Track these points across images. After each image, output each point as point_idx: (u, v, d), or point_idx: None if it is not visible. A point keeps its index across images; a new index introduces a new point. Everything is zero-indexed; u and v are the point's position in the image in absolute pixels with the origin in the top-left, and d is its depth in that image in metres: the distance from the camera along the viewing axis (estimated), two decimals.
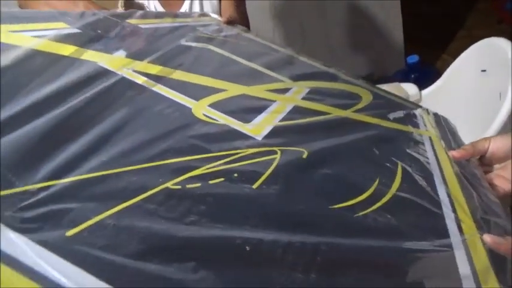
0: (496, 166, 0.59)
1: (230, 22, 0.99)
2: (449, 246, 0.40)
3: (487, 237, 0.43)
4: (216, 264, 0.31)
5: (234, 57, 0.77)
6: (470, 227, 0.44)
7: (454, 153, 0.60)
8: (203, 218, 0.35)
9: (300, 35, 2.24)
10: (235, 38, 0.91)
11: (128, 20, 0.79)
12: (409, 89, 1.29)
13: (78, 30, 0.65)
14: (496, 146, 0.58)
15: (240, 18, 1.12)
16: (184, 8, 1.17)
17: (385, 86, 0.90)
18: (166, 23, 0.85)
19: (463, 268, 0.38)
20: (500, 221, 0.47)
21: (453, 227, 0.43)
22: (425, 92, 1.35)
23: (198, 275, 0.30)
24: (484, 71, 1.14)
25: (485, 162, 0.59)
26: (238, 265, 0.32)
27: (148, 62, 0.63)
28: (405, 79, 1.98)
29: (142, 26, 0.78)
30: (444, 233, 0.42)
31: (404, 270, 0.36)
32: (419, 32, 2.50)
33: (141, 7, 1.10)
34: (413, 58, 2.09)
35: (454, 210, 0.47)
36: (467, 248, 0.41)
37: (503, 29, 2.43)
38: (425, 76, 1.90)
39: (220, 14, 1.13)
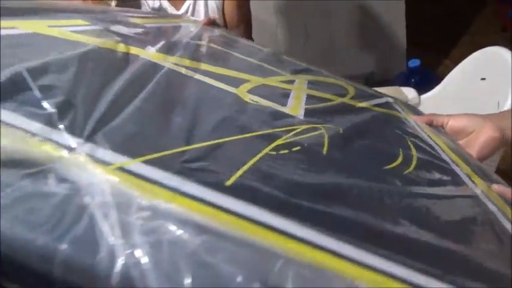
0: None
1: (210, 23, 1.06)
2: (475, 194, 0.52)
3: (495, 186, 0.55)
4: (340, 202, 0.39)
5: (236, 54, 0.84)
6: (480, 182, 0.56)
7: (416, 117, 0.76)
8: (308, 173, 0.43)
9: (303, 34, 2.29)
10: (222, 38, 0.98)
11: (130, 20, 0.83)
12: (408, 92, 1.33)
13: (100, 27, 0.68)
14: (457, 122, 0.71)
15: (243, 17, 1.18)
16: (187, 5, 1.20)
17: (384, 89, 0.96)
18: (162, 23, 0.90)
19: (492, 207, 0.50)
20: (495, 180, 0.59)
21: (469, 182, 0.55)
22: (424, 96, 1.39)
23: (334, 209, 0.37)
24: (484, 79, 1.20)
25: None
26: (353, 204, 0.40)
27: (177, 57, 0.68)
28: (406, 82, 2.07)
29: (147, 25, 0.83)
30: (466, 185, 0.54)
31: (464, 212, 0.47)
32: (422, 36, 2.53)
33: (133, 5, 1.12)
34: (415, 62, 2.17)
35: (462, 170, 0.59)
36: (487, 195, 0.52)
37: (506, 36, 2.49)
38: (426, 80, 1.96)
39: (223, 13, 1.17)
